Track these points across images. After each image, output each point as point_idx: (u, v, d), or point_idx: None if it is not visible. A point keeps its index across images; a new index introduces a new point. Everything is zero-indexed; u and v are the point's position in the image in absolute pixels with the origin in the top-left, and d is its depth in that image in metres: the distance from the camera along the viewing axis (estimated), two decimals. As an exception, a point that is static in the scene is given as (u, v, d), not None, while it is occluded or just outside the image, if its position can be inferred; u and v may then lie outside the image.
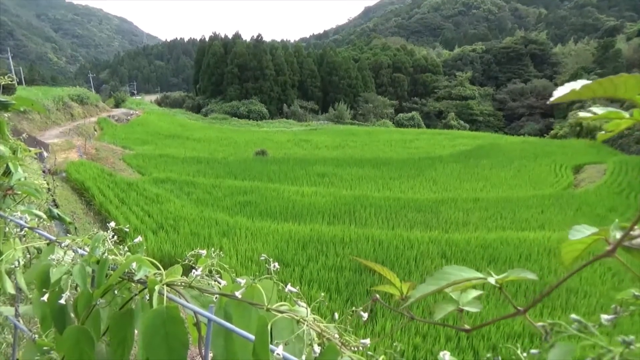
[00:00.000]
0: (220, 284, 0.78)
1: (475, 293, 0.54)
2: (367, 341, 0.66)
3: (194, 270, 0.78)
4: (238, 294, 0.74)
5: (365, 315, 0.71)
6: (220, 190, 13.15)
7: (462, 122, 55.22)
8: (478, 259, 7.80)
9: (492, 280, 0.47)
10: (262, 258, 0.77)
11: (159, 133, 27.57)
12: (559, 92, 0.35)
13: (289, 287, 0.71)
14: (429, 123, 55.32)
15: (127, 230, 1.00)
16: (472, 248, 8.35)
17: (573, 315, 0.38)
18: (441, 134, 35.55)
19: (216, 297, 0.81)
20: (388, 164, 19.32)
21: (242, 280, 0.76)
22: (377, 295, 0.64)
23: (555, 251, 8.32)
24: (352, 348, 0.63)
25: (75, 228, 8.47)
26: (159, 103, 60.35)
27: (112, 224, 0.95)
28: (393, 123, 52.57)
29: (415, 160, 20.75)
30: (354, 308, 0.72)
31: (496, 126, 56.98)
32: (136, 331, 0.81)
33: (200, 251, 0.88)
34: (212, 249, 0.81)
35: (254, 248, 8.15)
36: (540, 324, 0.42)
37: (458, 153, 23.35)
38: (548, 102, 0.36)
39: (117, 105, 42.55)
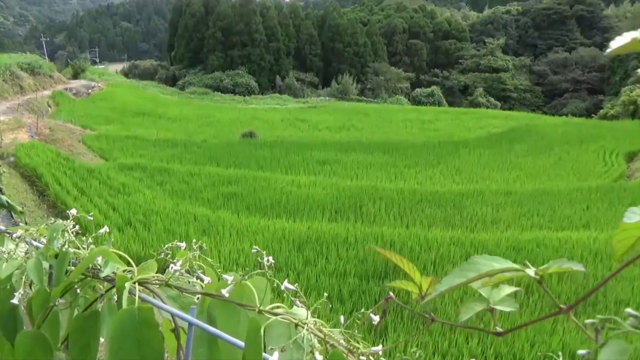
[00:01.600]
0: (203, 281, 0.79)
1: (509, 289, 0.55)
2: (379, 348, 0.67)
3: (171, 266, 0.79)
4: (225, 292, 0.75)
5: (377, 318, 0.72)
6: (200, 179, 13.17)
7: (492, 99, 55.15)
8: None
9: (530, 272, 0.48)
10: (254, 251, 0.78)
11: (126, 110, 27.54)
12: (618, 42, 0.35)
13: (285, 284, 0.71)
14: (451, 100, 55.26)
15: (91, 218, 1.00)
16: (502, 251, 8.39)
17: (628, 310, 0.38)
18: (467, 113, 35.53)
19: (198, 298, 0.82)
20: (402, 149, 19.33)
21: (229, 277, 0.77)
22: (392, 294, 0.65)
23: (603, 255, 8.36)
24: (361, 357, 0.64)
25: (26, 223, 8.50)
26: (126, 74, 60.24)
27: (73, 211, 0.95)
28: (408, 100, 52.54)
29: (435, 144, 20.76)
30: (362, 310, 0.73)
31: (533, 104, 56.90)
32: (102, 338, 0.82)
33: (178, 244, 0.88)
34: (194, 240, 0.81)
35: (239, 249, 8.18)
36: (589, 320, 0.42)
37: (487, 136, 23.36)
38: (605, 54, 0.36)
39: (75, 76, 42.38)
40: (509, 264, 0.48)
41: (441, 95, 53.68)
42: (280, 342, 0.68)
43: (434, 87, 54.39)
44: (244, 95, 48.44)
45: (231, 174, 13.67)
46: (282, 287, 0.71)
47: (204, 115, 28.99)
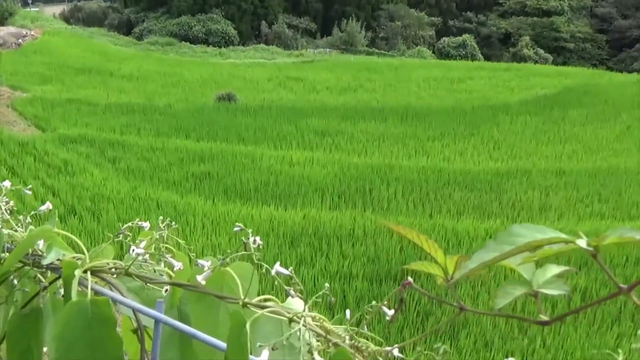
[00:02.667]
0: (172, 268, 0.81)
1: (556, 269, 0.57)
2: (396, 349, 0.69)
3: (132, 249, 0.81)
4: (200, 279, 0.77)
5: (391, 312, 0.74)
6: (164, 155, 13.19)
7: (541, 51, 54.94)
8: (562, 262, 7.93)
9: (582, 243, 0.50)
10: (237, 229, 0.79)
11: (68, 66, 27.42)
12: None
13: (277, 267, 0.73)
14: (489, 53, 55.02)
15: (29, 192, 1.02)
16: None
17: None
18: (509, 69, 35.43)
19: (167, 290, 0.84)
20: (424, 116, 19.33)
21: (205, 263, 0.79)
22: (411, 279, 0.67)
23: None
24: (371, 355, 0.67)
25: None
26: (67, 19, 59.78)
27: (7, 183, 0.97)
28: (433, 52, 52.29)
29: (467, 110, 20.77)
30: (373, 302, 0.75)
31: (595, 57, 56.67)
32: (47, 339, 0.84)
33: (141, 223, 0.90)
34: (161, 218, 0.83)
35: (215, 244, 8.24)
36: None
37: (534, 100, 23.34)
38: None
39: (1, 22, 42.09)
40: (555, 234, 0.50)
41: (475, 46, 53.40)
42: (271, 341, 0.70)
43: (466, 36, 54.05)
44: (220, 47, 48.14)
45: (204, 149, 13.70)
46: (273, 273, 0.73)
47: (168, 72, 28.88)
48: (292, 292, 0.75)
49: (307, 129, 16.76)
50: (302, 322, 0.69)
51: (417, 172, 12.31)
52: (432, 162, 13.75)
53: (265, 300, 0.78)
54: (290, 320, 0.72)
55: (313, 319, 0.73)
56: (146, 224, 0.88)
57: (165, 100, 21.14)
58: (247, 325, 0.70)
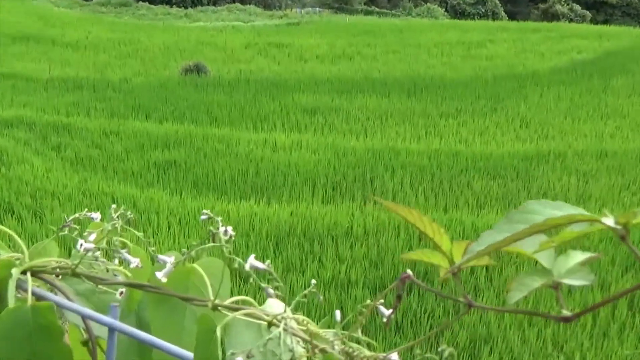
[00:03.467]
0: (129, 264, 0.83)
1: (580, 255, 0.59)
2: (394, 354, 0.71)
3: (80, 243, 0.82)
4: (161, 276, 0.79)
5: (388, 312, 0.76)
6: (120, 141, 13.17)
7: (577, 6, 55.00)
8: (604, 264, 7.97)
9: (609, 221, 0.51)
10: (204, 217, 0.81)
11: (0, 34, 27.26)
12: None
13: (252, 261, 0.75)
14: (514, 10, 55.06)
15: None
16: (593, 244, 8.50)
17: None
18: (537, 30, 35.43)
19: (122, 292, 0.85)
20: (436, 89, 19.37)
21: (168, 258, 0.81)
22: (410, 272, 0.68)
23: None
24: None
25: None
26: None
27: None
28: (446, 11, 52.27)
29: (488, 81, 20.81)
30: (368, 301, 0.77)
31: (643, 16, 56.76)
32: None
33: (90, 215, 0.92)
34: (113, 206, 0.84)
35: (183, 247, 8.24)
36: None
37: (569, 67, 23.40)
38: None
39: None
40: (576, 211, 0.51)
41: (497, 2, 53.41)
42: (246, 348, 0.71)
43: (486, -9, 54.02)
44: (186, 7, 47.98)
45: (168, 132, 13.68)
46: (247, 267, 0.74)
47: (123, 39, 28.77)
48: (270, 290, 0.77)
49: (294, 106, 16.76)
50: (282, 325, 0.71)
51: (428, 157, 12.33)
52: (446, 144, 13.77)
53: (240, 302, 0.80)
54: (270, 324, 0.74)
55: (297, 321, 0.74)
56: (96, 215, 0.90)
57: (120, 73, 21.08)
58: (218, 331, 0.71)
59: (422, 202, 10.46)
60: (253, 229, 8.93)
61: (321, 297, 0.82)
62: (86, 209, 0.92)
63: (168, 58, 24.77)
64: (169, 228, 8.97)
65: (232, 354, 0.69)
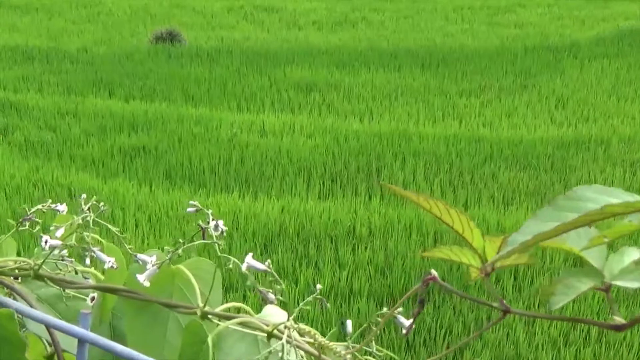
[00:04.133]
0: (103, 264, 0.84)
1: (636, 253, 0.60)
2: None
3: (44, 240, 0.83)
4: (142, 279, 0.80)
5: (407, 323, 0.77)
6: (78, 122, 13.15)
7: (624, -33, 54.81)
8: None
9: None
10: (192, 209, 0.82)
11: None
12: None
13: (250, 261, 0.76)
14: (549, -30, 54.82)
15: None
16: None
17: None
18: (577, -6, 35.34)
19: (93, 298, 0.86)
20: (455, 62, 19.33)
21: (149, 258, 0.82)
22: (435, 273, 0.70)
23: None
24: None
25: None
26: None
27: None
28: (468, -30, 52.02)
29: (518, 53, 20.77)
30: (384, 309, 0.78)
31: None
32: None
33: (56, 206, 0.92)
34: (83, 195, 0.85)
35: (156, 249, 8.25)
36: None
37: (614, 36, 23.35)
38: None
39: None
40: (635, 198, 0.52)
41: (529, -40, 53.23)
42: (242, 362, 0.73)
43: (515, -55, 53.90)
44: (157, -36, 47.82)
45: (136, 112, 13.66)
46: (244, 268, 0.76)
47: (82, 0, 28.66)
48: (270, 295, 0.78)
49: (286, 82, 16.72)
50: (285, 336, 0.72)
51: (446, 143, 12.32)
52: (467, 128, 13.76)
53: (233, 308, 0.81)
54: (270, 335, 0.75)
55: (301, 332, 0.76)
56: (62, 207, 0.90)
57: (78, 42, 20.99)
58: (210, 341, 0.72)
59: (437, 195, 10.47)
60: (237, 228, 8.92)
61: (328, 305, 0.83)
62: (49, 200, 0.93)
63: (136, 24, 24.68)
64: (137, 226, 8.96)
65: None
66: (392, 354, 0.73)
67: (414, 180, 10.85)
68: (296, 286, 7.79)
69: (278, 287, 0.78)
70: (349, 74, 17.43)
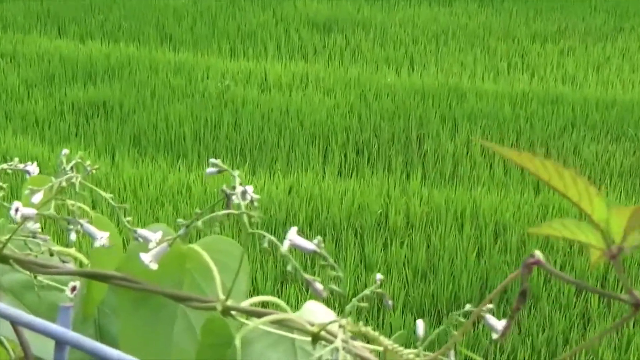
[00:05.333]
0: (93, 240, 0.84)
1: None
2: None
3: (14, 208, 0.83)
4: (148, 259, 0.81)
5: (500, 325, 0.78)
6: (17, 68, 13.22)
7: None
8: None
9: None
10: (213, 170, 0.82)
11: None
12: None
13: (293, 237, 0.77)
14: None
15: None
16: None
17: None
18: None
19: (74, 288, 0.87)
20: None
21: (152, 234, 0.82)
22: (539, 254, 0.70)
23: None
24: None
25: None
26: None
27: None
28: None
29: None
30: (467, 306, 0.79)
31: None
32: None
33: (25, 166, 0.93)
34: (65, 151, 0.86)
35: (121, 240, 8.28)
36: None
37: None
38: None
39: None
40: None
41: None
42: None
43: None
44: None
45: (95, 56, 13.69)
46: (285, 248, 0.76)
47: None
48: (317, 285, 0.78)
49: (296, 17, 16.70)
50: (339, 340, 0.72)
51: (512, 104, 12.31)
52: (541, 84, 13.71)
53: (259, 304, 0.82)
54: (316, 338, 0.75)
55: (355, 335, 0.76)
56: (33, 168, 0.91)
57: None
58: (238, 343, 0.73)
59: (499, 175, 10.45)
60: (228, 215, 8.93)
61: (391, 303, 0.84)
62: (16, 159, 0.94)
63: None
64: (94, 209, 8.99)
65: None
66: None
67: (467, 153, 10.81)
68: (307, 292, 7.80)
69: (333, 273, 0.78)
70: (381, 9, 17.34)
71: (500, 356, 6.88)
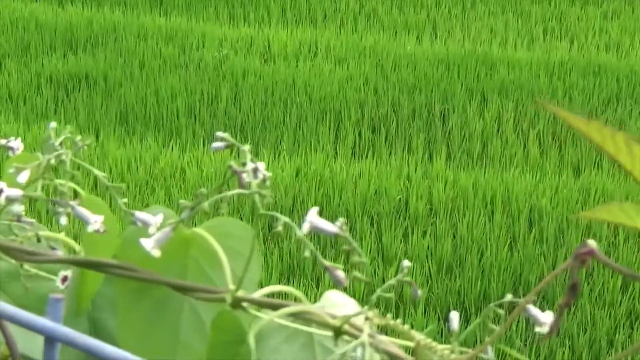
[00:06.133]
0: (87, 224, 0.85)
1: None
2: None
3: (-1, 187, 0.84)
4: (150, 245, 0.81)
5: (548, 319, 0.78)
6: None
7: None
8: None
9: None
10: (220, 145, 0.83)
11: None
12: None
13: (314, 219, 0.77)
14: None
15: None
16: None
17: None
18: None
19: (65, 278, 0.87)
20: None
21: (151, 218, 0.83)
22: (593, 243, 0.71)
23: None
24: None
25: None
26: None
27: None
28: None
29: None
30: (508, 296, 0.79)
31: None
32: None
33: (7, 142, 0.94)
34: (52, 124, 0.86)
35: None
36: None
37: None
38: None
39: None
40: None
41: None
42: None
43: None
44: None
45: (75, 22, 13.71)
46: (304, 231, 0.77)
47: None
48: (338, 273, 0.79)
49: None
50: (366, 334, 0.72)
51: (548, 74, 12.30)
52: (581, 52, 13.69)
53: (272, 296, 0.83)
54: (338, 333, 0.76)
55: (382, 329, 0.77)
56: (17, 143, 0.91)
57: None
58: (251, 341, 0.73)
59: (534, 155, 10.45)
60: (228, 202, 8.95)
61: (419, 292, 0.85)
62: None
63: None
64: (75, 195, 9.02)
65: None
66: None
67: (498, 130, 10.80)
68: (317, 288, 7.81)
69: (356, 259, 0.79)
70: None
71: (537, 359, 6.90)
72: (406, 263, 0.86)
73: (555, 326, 0.76)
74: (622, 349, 6.80)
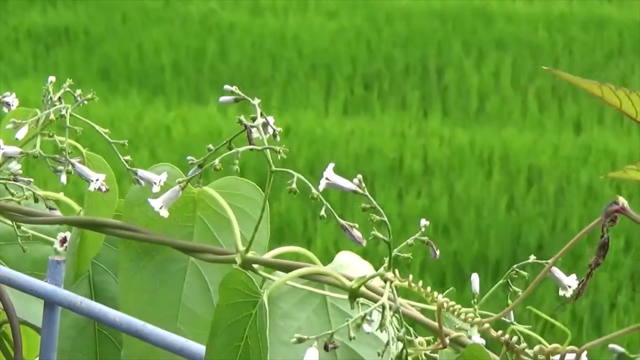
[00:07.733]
0: (88, 182, 0.84)
1: None
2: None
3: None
4: (157, 205, 0.80)
5: (572, 282, 0.78)
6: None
7: None
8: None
9: None
10: (228, 98, 0.82)
11: None
12: None
13: (330, 176, 0.77)
14: None
15: None
16: None
17: None
18: None
19: (64, 240, 0.87)
20: None
21: (155, 176, 0.82)
22: (624, 201, 0.70)
23: None
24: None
25: None
26: None
27: None
28: None
29: None
30: (532, 257, 0.79)
31: None
32: None
33: (4, 97, 0.93)
34: (51, 78, 0.85)
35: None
36: None
37: None
38: None
39: None
40: None
41: None
42: (314, 333, 0.73)
43: None
44: None
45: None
46: (321, 187, 0.76)
47: None
48: (355, 232, 0.79)
49: None
50: (386, 297, 0.72)
51: (548, 28, 12.32)
52: (582, 3, 13.69)
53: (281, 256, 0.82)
54: (354, 295, 0.75)
55: (399, 291, 0.77)
56: (12, 98, 0.90)
57: None
58: (265, 300, 0.73)
59: (533, 111, 10.47)
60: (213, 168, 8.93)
61: (437, 253, 0.85)
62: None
63: None
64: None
65: (296, 340, 0.70)
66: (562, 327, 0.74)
67: (496, 85, 10.82)
68: (308, 250, 7.83)
69: (377, 217, 0.78)
70: None
71: (536, 324, 6.91)
72: (423, 222, 0.86)
73: (583, 289, 0.76)
74: (625, 312, 6.84)
